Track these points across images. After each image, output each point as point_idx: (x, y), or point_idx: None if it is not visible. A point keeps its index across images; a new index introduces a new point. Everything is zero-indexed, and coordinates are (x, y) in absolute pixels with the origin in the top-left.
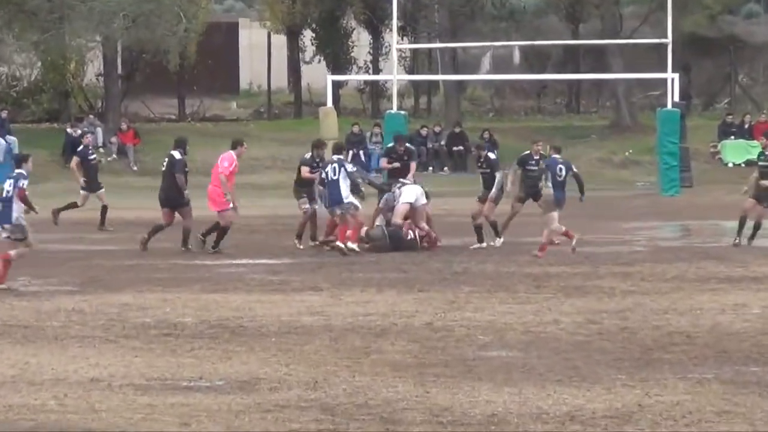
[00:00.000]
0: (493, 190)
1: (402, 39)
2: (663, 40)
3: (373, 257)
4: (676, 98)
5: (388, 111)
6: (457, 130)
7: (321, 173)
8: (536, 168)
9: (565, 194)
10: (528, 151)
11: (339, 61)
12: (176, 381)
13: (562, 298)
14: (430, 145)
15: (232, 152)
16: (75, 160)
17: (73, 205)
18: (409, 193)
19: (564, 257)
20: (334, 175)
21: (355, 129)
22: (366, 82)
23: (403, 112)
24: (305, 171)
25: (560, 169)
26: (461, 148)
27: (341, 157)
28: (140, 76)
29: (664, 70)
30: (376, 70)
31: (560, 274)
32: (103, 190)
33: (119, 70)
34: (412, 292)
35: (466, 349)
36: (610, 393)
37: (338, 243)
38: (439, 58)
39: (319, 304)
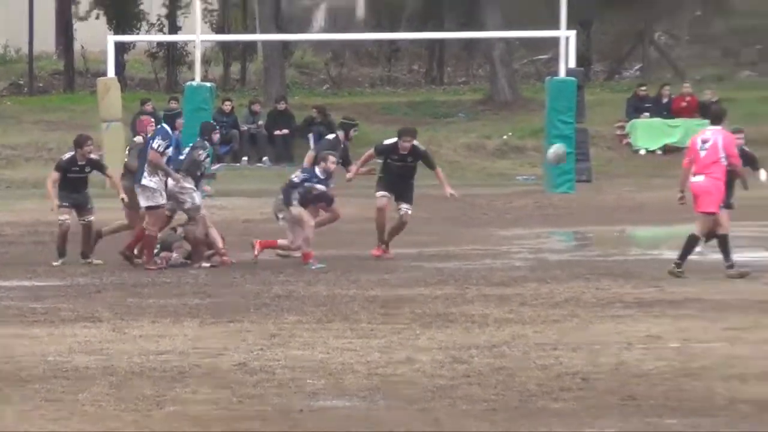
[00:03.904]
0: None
1: None
2: None
3: (169, 277)
4: (572, 64)
5: (188, 82)
6: (281, 106)
7: None
8: None
9: None
10: None
11: (124, 17)
12: None
13: (417, 330)
14: (244, 127)
15: None
16: None
17: None
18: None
19: (422, 275)
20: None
21: (147, 107)
22: (159, 45)
23: (208, 84)
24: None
25: None
26: (286, 131)
27: None
28: None
29: (556, 27)
30: (174, 29)
31: (416, 298)
32: None
33: None
34: (220, 324)
35: (292, 398)
36: None
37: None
38: (257, 12)
39: (98, 339)
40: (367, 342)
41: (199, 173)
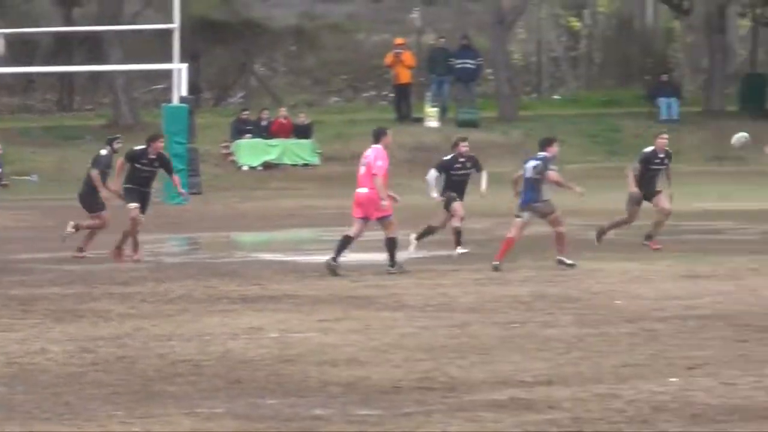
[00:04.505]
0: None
1: None
2: (169, 26)
3: None
4: (184, 92)
5: None
6: None
7: None
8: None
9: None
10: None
11: None
12: None
13: (51, 324)
14: None
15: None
16: None
17: None
18: None
19: (55, 277)
20: None
21: None
22: None
23: None
24: None
25: None
26: None
27: None
28: None
29: (170, 60)
30: None
31: (49, 297)
32: None
33: None
34: None
35: None
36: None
37: None
38: None
39: None
40: (7, 335)
41: None
